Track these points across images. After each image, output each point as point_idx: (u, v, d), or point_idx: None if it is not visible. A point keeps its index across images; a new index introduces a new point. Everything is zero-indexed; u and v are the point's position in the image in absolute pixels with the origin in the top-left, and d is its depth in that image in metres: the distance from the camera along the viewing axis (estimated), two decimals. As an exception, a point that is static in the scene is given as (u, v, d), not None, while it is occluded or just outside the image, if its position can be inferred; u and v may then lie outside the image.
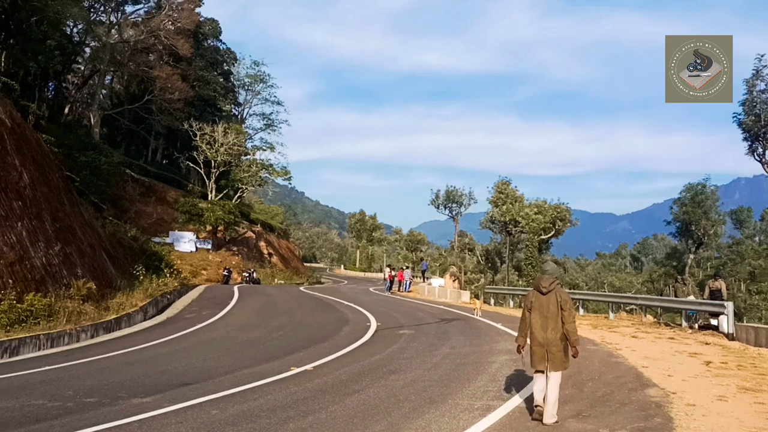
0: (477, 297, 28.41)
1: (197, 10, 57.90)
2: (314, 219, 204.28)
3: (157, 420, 6.69)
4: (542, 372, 6.72)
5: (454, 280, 39.33)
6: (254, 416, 6.88)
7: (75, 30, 45.49)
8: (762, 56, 36.02)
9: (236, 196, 54.85)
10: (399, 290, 37.41)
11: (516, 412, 7.16)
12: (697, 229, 53.76)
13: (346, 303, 25.48)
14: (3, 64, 31.41)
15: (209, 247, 48.72)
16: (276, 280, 50.97)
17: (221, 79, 64.94)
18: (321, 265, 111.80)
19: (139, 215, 45.25)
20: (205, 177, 53.09)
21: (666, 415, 6.96)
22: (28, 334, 14.05)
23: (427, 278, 46.27)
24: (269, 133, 71.93)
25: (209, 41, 65.32)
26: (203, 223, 47.01)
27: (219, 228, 48.87)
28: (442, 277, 43.37)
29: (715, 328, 15.77)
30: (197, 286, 34.40)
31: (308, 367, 10.35)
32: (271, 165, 58.15)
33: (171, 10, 53.06)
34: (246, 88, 72.83)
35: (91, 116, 49.02)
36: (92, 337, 16.38)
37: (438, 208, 69.37)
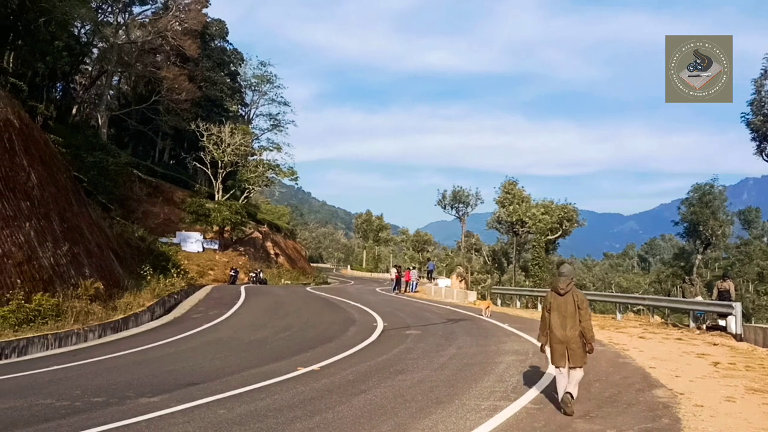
0: (484, 298, 28.29)
1: (204, 10, 58.22)
2: (321, 219, 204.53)
3: (165, 420, 6.71)
4: (562, 368, 7.16)
5: (460, 281, 39.20)
6: (261, 416, 6.89)
7: (83, 31, 45.79)
8: (770, 56, 35.86)
9: (243, 197, 54.99)
10: (406, 290, 37.34)
11: (523, 413, 7.13)
12: (705, 229, 53.53)
13: (352, 303, 25.45)
14: (11, 65, 31.59)
15: (216, 247, 48.89)
16: (283, 280, 51.05)
17: (228, 80, 65.13)
18: (327, 265, 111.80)
19: (147, 215, 45.53)
20: (212, 177, 53.24)
21: (674, 416, 6.94)
22: (36, 334, 14.12)
23: (434, 279, 46.19)
24: (276, 134, 72.34)
25: (216, 42, 65.53)
26: (210, 223, 47.16)
27: (226, 228, 49.01)
28: (448, 277, 43.27)
29: (723, 329, 15.65)
30: (204, 286, 34.54)
31: (315, 367, 10.36)
32: (277, 165, 58.11)
33: (178, 10, 53.36)
34: (253, 88, 73.18)
35: (99, 117, 49.35)
36: (100, 336, 16.43)
37: (445, 208, 69.47)
